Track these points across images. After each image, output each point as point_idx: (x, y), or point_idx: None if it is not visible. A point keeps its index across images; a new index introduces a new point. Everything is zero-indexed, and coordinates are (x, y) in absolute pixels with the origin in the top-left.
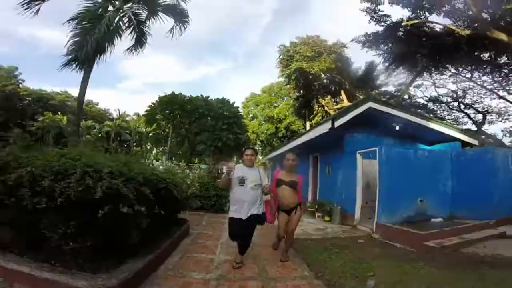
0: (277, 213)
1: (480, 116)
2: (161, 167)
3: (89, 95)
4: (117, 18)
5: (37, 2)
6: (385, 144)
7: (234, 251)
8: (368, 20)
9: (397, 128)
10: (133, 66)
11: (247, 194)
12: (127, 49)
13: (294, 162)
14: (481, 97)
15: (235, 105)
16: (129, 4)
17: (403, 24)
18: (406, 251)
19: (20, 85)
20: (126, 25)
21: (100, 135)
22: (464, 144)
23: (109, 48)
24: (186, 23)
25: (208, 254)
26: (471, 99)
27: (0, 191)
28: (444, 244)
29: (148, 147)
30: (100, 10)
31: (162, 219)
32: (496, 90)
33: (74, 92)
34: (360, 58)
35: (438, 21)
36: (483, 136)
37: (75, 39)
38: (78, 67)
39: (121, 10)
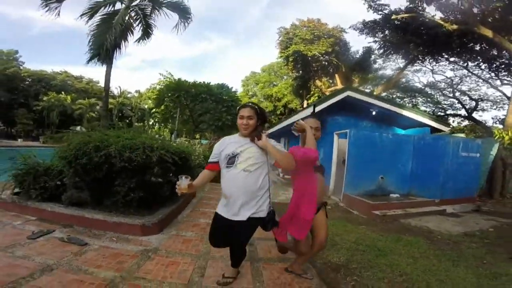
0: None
1: (473, 103)
2: (175, 143)
3: (89, 73)
4: (127, 16)
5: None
6: (359, 127)
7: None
8: (367, 8)
9: (374, 113)
10: (131, 43)
11: (238, 181)
12: (136, 40)
13: (319, 132)
14: (478, 85)
15: (234, 86)
16: (137, 1)
17: (395, 17)
18: (358, 217)
19: (21, 67)
20: (134, 18)
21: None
22: (437, 130)
23: (123, 44)
24: (189, 19)
25: (211, 208)
26: (468, 86)
27: (91, 163)
28: (387, 213)
29: (150, 123)
30: (110, 6)
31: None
32: (490, 80)
33: (73, 71)
34: (358, 42)
35: (433, 12)
36: (469, 123)
37: (95, 38)
38: (100, 62)
39: (130, 8)
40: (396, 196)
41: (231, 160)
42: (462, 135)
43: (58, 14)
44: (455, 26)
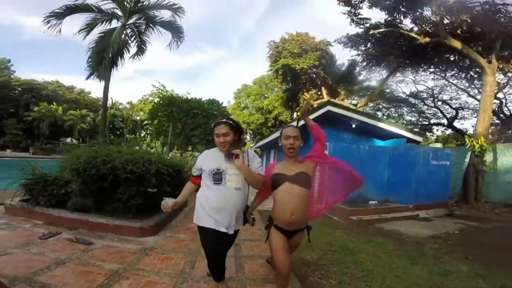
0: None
1: (454, 112)
2: (169, 156)
3: (80, 84)
4: (123, 34)
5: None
6: (341, 139)
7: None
8: (349, 22)
9: (353, 126)
10: (127, 58)
11: (230, 197)
12: (131, 56)
13: (298, 141)
14: (458, 94)
15: (227, 97)
16: (133, 20)
17: (373, 32)
18: (337, 222)
19: (12, 76)
20: (129, 35)
21: (94, 123)
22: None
23: (120, 61)
24: (182, 38)
25: None
26: (449, 95)
27: (99, 174)
28: (362, 218)
29: (142, 135)
30: (107, 23)
31: (171, 192)
32: (468, 90)
33: (64, 80)
34: (344, 55)
35: (410, 25)
36: (452, 131)
37: (94, 55)
38: (99, 78)
39: (126, 26)
40: (374, 203)
41: (217, 176)
42: (439, 145)
43: (60, 31)
44: (427, 39)
